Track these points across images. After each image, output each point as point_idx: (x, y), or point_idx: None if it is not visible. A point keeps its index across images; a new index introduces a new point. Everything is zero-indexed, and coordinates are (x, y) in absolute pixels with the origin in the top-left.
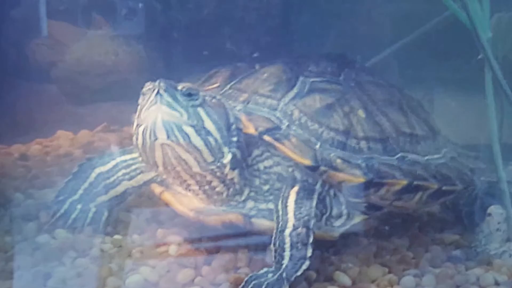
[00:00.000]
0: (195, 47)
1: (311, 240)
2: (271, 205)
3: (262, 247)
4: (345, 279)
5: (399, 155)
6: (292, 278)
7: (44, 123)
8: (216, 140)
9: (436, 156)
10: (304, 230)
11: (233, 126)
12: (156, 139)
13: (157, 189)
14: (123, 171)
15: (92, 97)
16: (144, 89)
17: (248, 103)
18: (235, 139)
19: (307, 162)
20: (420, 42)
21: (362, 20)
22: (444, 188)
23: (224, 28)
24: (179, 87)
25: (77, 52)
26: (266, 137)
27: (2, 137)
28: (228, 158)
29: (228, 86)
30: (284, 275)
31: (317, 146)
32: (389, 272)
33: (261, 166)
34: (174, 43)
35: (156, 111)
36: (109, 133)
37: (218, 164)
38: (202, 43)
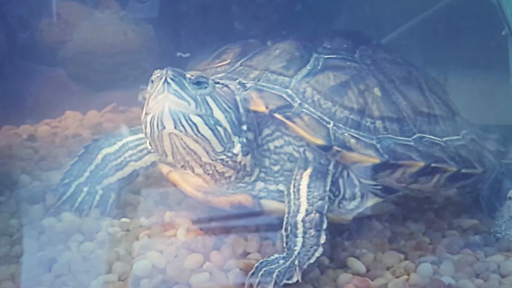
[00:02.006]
0: (204, 27)
1: (324, 226)
2: (281, 187)
3: (273, 232)
4: (359, 266)
5: (416, 135)
6: (305, 266)
7: (53, 103)
8: (225, 130)
9: (455, 137)
10: (317, 215)
11: (241, 111)
12: (163, 128)
13: (164, 168)
14: (130, 152)
15: (101, 77)
16: (152, 77)
17: (259, 80)
18: (245, 127)
19: (320, 141)
20: (436, 20)
21: None
22: (463, 171)
23: (232, 7)
24: (188, 75)
25: (85, 32)
26: (277, 115)
27: (10, 118)
28: (238, 147)
29: (239, 63)
30: (296, 262)
31: (330, 125)
32: (405, 259)
33: (271, 146)
34: (183, 23)
35: (163, 100)
36: (118, 114)
37: (229, 153)
38: (211, 22)
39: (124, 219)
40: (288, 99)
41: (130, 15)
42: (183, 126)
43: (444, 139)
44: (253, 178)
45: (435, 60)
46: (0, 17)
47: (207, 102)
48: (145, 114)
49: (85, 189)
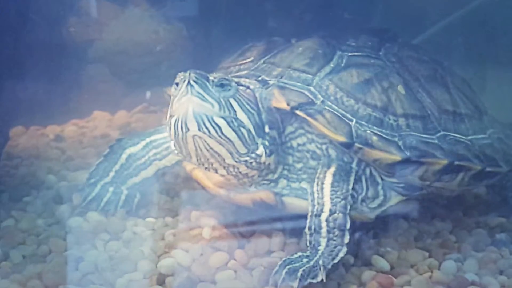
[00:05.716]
0: (236, 25)
1: (348, 225)
2: (304, 184)
3: (297, 231)
4: (383, 264)
5: (440, 133)
6: (329, 266)
7: (81, 103)
8: (249, 131)
9: (480, 136)
10: (341, 215)
11: (262, 109)
12: (187, 130)
13: (188, 166)
14: (154, 150)
15: (132, 76)
16: (176, 79)
17: (281, 77)
18: (267, 128)
19: (341, 138)
20: (468, 20)
21: None
22: (487, 169)
23: (265, 5)
24: (211, 78)
25: (115, 31)
26: (299, 112)
27: (37, 118)
28: (261, 149)
29: (262, 60)
30: (320, 262)
31: (353, 123)
32: (429, 256)
33: (294, 143)
34: (215, 21)
35: (187, 102)
36: (148, 114)
37: (252, 155)
38: (243, 20)
39: (149, 219)
40: (311, 96)
41: (162, 13)
42: (206, 128)
43: (469, 137)
44: (276, 176)
45: (473, 58)
46: (29, 16)
47: (230, 104)
48: (170, 116)
49: (111, 189)
